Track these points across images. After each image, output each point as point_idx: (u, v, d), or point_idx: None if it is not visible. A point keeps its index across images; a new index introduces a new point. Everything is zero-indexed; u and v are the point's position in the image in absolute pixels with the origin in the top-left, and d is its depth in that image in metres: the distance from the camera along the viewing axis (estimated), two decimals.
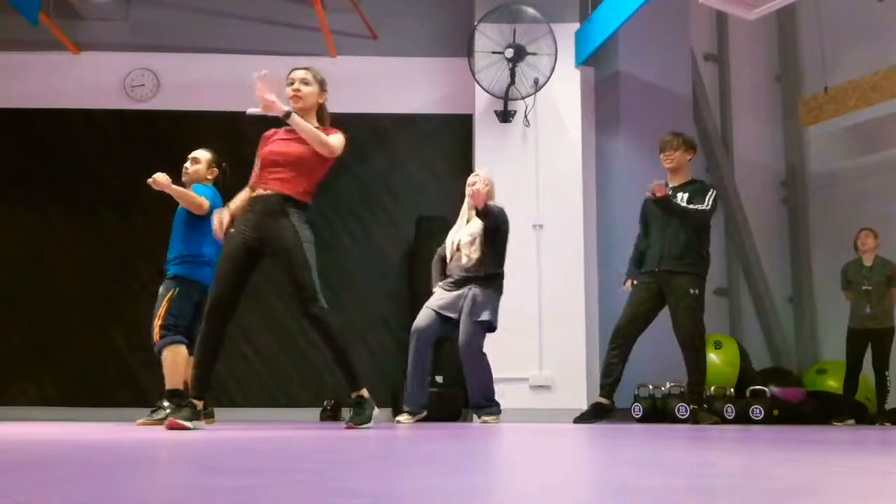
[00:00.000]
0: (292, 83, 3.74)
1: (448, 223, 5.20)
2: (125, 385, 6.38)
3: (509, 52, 6.34)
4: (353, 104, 6.39)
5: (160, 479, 1.30)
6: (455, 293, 4.80)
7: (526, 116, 6.46)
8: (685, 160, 5.11)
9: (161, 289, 4.54)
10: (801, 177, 7.68)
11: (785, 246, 7.74)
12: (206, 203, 4.54)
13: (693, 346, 4.92)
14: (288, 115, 3.56)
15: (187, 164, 4.73)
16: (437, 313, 4.80)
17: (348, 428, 3.59)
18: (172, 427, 3.29)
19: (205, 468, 1.52)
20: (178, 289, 4.50)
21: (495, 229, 4.80)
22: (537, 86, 6.40)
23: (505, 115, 6.48)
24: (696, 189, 5.03)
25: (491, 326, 4.79)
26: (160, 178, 4.47)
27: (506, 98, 6.44)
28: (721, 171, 7.39)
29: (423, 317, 4.82)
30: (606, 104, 6.84)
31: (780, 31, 7.92)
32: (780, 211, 7.80)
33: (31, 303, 6.52)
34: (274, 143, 3.72)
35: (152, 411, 4.58)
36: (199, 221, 4.55)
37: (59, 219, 6.62)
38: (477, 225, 4.83)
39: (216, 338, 3.55)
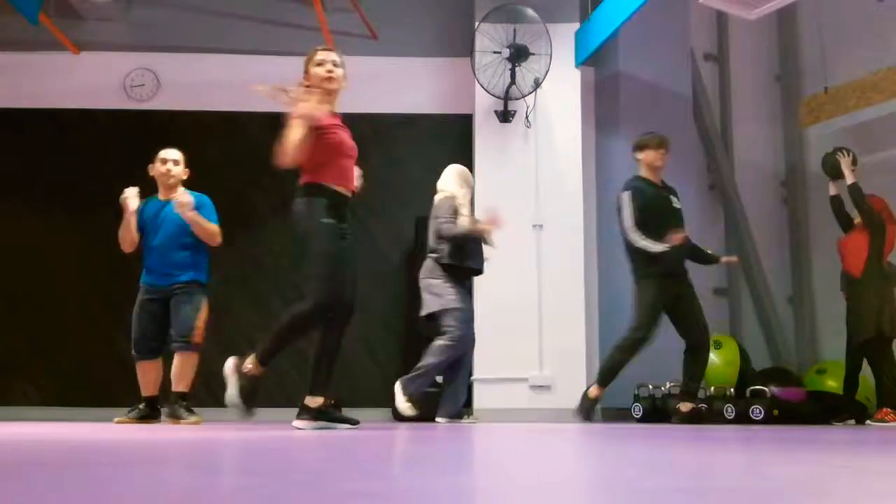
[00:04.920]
0: (321, 64, 3.62)
1: None
2: (125, 385, 6.36)
3: (510, 52, 6.34)
4: (353, 104, 6.33)
5: (160, 479, 1.30)
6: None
7: (527, 117, 6.45)
8: None
9: (191, 296, 4.59)
10: (801, 177, 7.66)
11: (785, 246, 7.72)
12: (219, 234, 4.57)
13: None
14: (312, 118, 3.48)
15: (170, 167, 4.68)
16: None
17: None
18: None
19: (205, 468, 1.52)
20: (205, 298, 4.61)
21: None
22: (537, 86, 6.40)
23: (505, 115, 6.47)
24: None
25: None
26: (187, 200, 4.47)
27: (506, 98, 6.43)
28: (721, 171, 7.39)
29: (467, 321, 4.87)
30: (606, 104, 6.83)
31: (780, 31, 7.90)
32: (780, 211, 7.79)
33: (31, 303, 6.52)
34: (347, 134, 3.67)
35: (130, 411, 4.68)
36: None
37: (59, 219, 6.61)
38: None
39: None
